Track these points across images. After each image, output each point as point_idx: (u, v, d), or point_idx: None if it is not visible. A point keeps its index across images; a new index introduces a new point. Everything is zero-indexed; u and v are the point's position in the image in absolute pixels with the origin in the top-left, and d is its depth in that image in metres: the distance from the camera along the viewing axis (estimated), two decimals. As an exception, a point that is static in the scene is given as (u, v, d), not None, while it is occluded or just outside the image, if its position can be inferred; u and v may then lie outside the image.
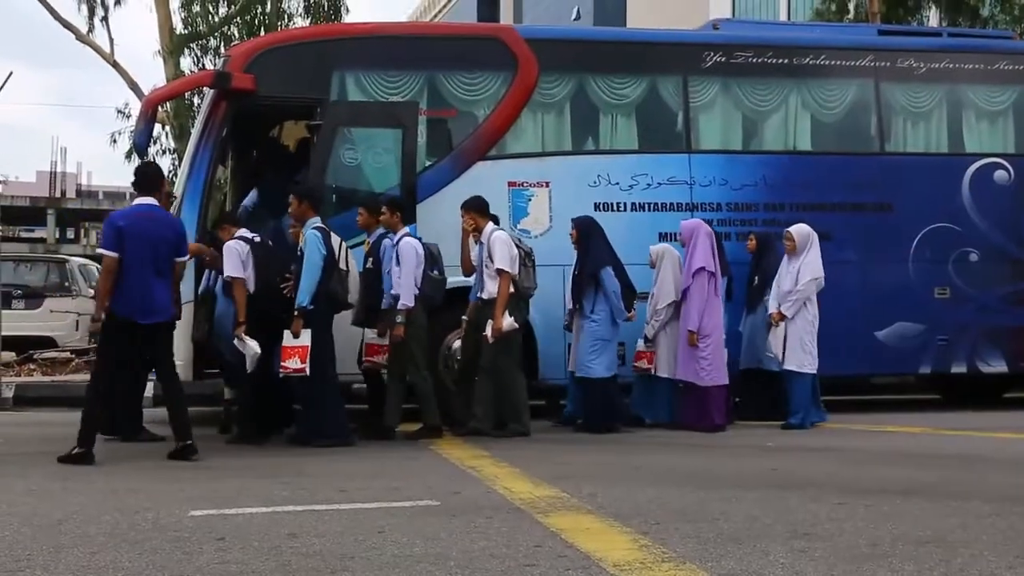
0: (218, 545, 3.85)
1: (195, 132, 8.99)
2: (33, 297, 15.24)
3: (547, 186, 8.85)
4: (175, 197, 8.28)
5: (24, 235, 44.27)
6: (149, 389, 8.87)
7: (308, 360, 6.83)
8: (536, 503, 4.69)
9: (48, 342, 14.64)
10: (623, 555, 3.65)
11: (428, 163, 8.79)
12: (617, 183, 9.04)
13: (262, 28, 19.19)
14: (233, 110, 8.47)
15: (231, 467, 6.08)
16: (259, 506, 4.67)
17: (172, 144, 19.24)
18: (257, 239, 7.42)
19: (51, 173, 45.97)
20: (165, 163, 19.72)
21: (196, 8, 19.59)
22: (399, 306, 7.32)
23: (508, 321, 7.46)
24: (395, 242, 7.53)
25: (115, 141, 20.27)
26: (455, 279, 7.94)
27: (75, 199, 45.14)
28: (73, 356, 13.91)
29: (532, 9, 47.89)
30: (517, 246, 7.69)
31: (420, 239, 7.64)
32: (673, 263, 8.28)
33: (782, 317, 8.14)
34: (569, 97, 9.26)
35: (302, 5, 20.67)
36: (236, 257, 7.20)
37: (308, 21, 20.29)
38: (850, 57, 9.76)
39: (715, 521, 4.29)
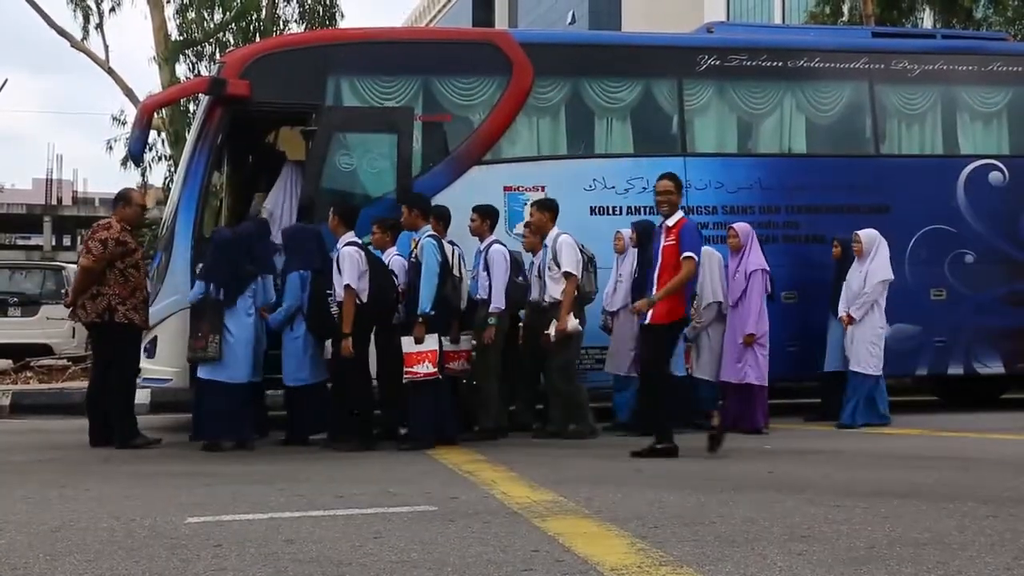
0: (215, 552, 3.84)
1: (191, 138, 9.00)
2: (29, 304, 15.22)
3: (543, 190, 8.85)
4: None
5: (20, 242, 44.28)
6: (147, 395, 8.89)
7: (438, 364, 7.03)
8: (533, 507, 4.69)
9: (44, 349, 14.62)
10: (620, 559, 3.65)
11: (423, 168, 8.79)
12: (613, 187, 9.05)
13: (257, 34, 19.20)
14: (228, 116, 8.49)
15: (228, 474, 6.07)
16: (256, 512, 4.66)
17: (168, 151, 19.22)
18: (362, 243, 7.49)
19: (47, 180, 45.93)
20: (161, 170, 19.75)
21: (191, 14, 19.59)
22: (491, 309, 7.56)
23: (573, 323, 7.56)
24: (482, 248, 7.78)
25: (111, 148, 20.24)
26: None
27: (71, 206, 45.08)
28: (70, 363, 13.89)
29: (527, 14, 47.96)
30: (581, 251, 7.79)
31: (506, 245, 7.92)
32: (715, 265, 8.32)
33: (851, 320, 8.31)
34: (564, 101, 9.27)
35: (297, 11, 20.72)
36: (356, 266, 7.17)
37: (303, 27, 20.31)
38: (844, 59, 9.78)
39: (712, 524, 4.29)
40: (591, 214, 8.76)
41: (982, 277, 9.59)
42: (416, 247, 7.33)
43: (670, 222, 6.70)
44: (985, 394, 10.34)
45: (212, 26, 19.72)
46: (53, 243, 39.70)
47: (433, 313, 7.06)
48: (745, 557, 3.68)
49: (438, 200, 8.59)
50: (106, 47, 20.46)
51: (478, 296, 7.75)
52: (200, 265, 7.75)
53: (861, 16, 17.39)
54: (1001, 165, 9.80)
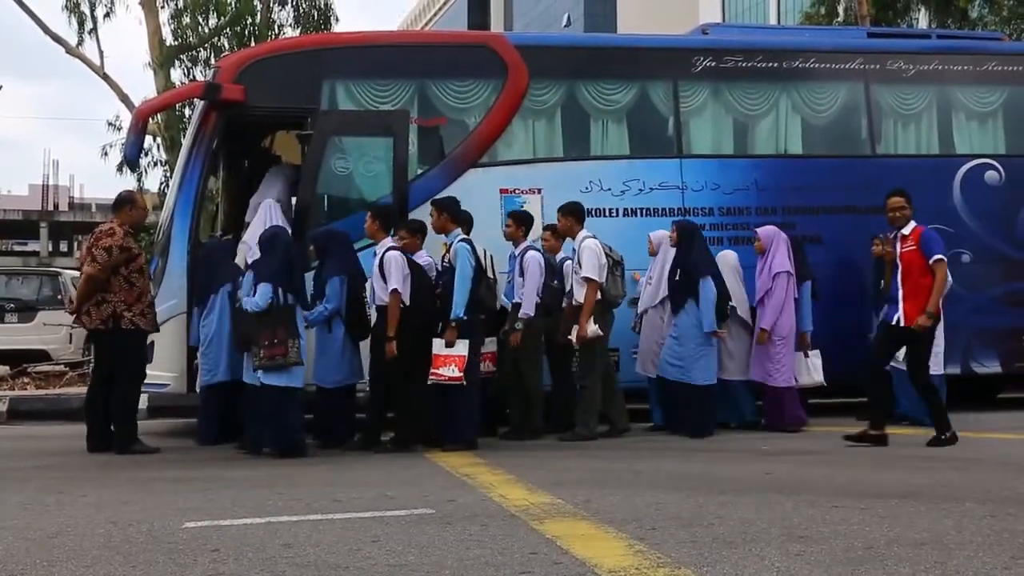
0: (212, 556, 3.84)
1: (186, 143, 9.00)
2: (26, 310, 15.21)
3: (539, 193, 8.85)
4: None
5: (17, 248, 44.28)
6: (143, 401, 8.87)
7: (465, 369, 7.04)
8: (531, 510, 4.69)
9: (42, 355, 14.61)
10: (618, 561, 3.64)
11: (419, 171, 8.80)
12: (609, 189, 9.06)
13: (252, 39, 19.22)
14: (224, 121, 8.49)
15: (225, 478, 6.06)
16: (254, 517, 4.65)
17: (163, 156, 19.26)
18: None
19: (43, 186, 45.97)
20: (156, 175, 19.81)
21: (186, 19, 19.62)
22: (520, 314, 7.67)
23: (592, 328, 7.59)
24: (518, 253, 7.89)
25: (107, 153, 20.31)
26: None
27: (68, 212, 45.13)
28: (67, 369, 13.88)
29: (522, 16, 48.00)
30: (607, 255, 7.83)
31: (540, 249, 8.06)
32: (733, 269, 8.37)
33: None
34: (560, 103, 9.28)
35: (292, 15, 20.76)
36: (401, 270, 7.19)
37: (298, 31, 20.34)
38: (840, 60, 9.79)
39: (710, 526, 4.28)
40: (588, 216, 8.72)
41: (979, 277, 9.59)
42: (447, 251, 7.38)
43: (906, 231, 7.23)
44: (982, 394, 10.34)
45: (207, 31, 19.75)
46: (50, 249, 39.72)
47: (465, 318, 7.11)
48: (743, 558, 3.68)
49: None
50: (101, 53, 20.52)
51: (513, 300, 7.88)
52: (242, 269, 7.65)
53: (856, 17, 17.43)
54: (997, 164, 9.81)
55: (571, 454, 7.07)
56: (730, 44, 9.73)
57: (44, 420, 10.17)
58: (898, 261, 7.23)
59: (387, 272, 7.13)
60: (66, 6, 20.08)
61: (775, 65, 9.64)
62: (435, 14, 60.75)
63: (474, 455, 6.85)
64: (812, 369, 8.38)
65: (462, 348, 7.07)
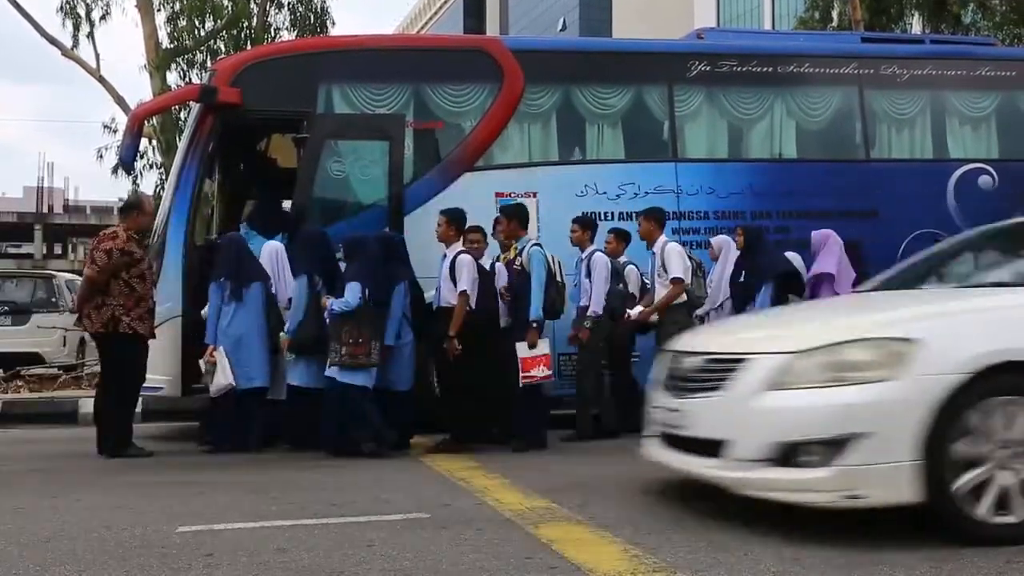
0: (206, 561, 3.83)
1: (182, 146, 8.98)
2: (20, 313, 15.15)
3: (534, 196, 8.86)
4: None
5: (11, 251, 44.17)
6: (138, 403, 8.85)
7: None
8: (526, 514, 4.69)
9: (35, 358, 14.56)
10: (614, 565, 3.65)
11: (415, 175, 8.79)
12: (604, 193, 9.06)
13: (248, 42, 19.20)
14: (219, 124, 8.48)
15: (220, 482, 6.05)
16: (248, 521, 4.65)
17: (159, 159, 19.19)
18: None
19: (38, 188, 45.91)
20: (152, 178, 19.74)
21: (182, 22, 19.58)
22: (589, 313, 7.87)
23: (636, 311, 8.01)
24: (584, 256, 8.05)
25: (102, 156, 20.21)
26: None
27: (62, 214, 45.07)
28: (61, 372, 13.84)
29: (518, 21, 48.06)
30: (689, 257, 8.07)
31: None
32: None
33: None
34: (555, 107, 9.28)
35: (288, 19, 20.72)
36: (472, 273, 7.36)
37: (294, 34, 20.31)
38: (834, 65, 9.81)
39: (706, 530, 4.29)
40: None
41: (973, 281, 9.60)
42: (516, 255, 7.58)
43: None
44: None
45: (203, 34, 19.72)
46: (44, 251, 39.65)
47: (545, 319, 7.39)
48: (738, 563, 3.68)
49: (429, 207, 8.62)
50: (97, 55, 20.49)
51: (579, 303, 8.01)
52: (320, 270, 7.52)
53: (850, 21, 17.49)
54: (991, 169, 9.84)
55: (566, 458, 7.07)
56: (725, 49, 9.75)
57: (37, 423, 10.12)
58: None
59: (458, 274, 7.33)
60: (61, 8, 20.04)
61: (770, 70, 9.66)
62: (431, 18, 60.81)
63: (470, 459, 6.84)
64: None
65: (545, 347, 7.35)
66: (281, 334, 7.39)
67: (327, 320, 7.14)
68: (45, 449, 8.08)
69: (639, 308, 8.07)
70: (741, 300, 8.11)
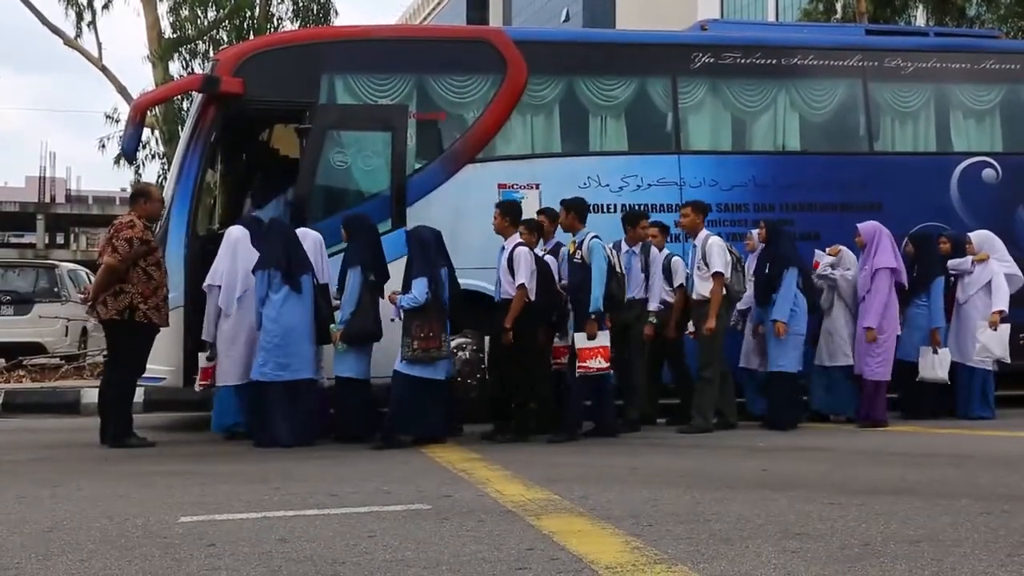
0: (208, 551, 3.83)
1: (184, 136, 8.97)
2: (22, 303, 15.16)
3: (537, 188, 8.85)
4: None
5: (13, 240, 44.14)
6: (139, 395, 8.87)
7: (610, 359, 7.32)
8: (528, 506, 4.69)
9: (37, 348, 14.58)
10: (615, 557, 3.65)
11: (417, 166, 8.78)
12: (607, 184, 9.05)
13: (251, 32, 19.18)
14: (222, 114, 8.47)
15: (222, 472, 6.06)
16: (250, 511, 4.65)
17: (161, 149, 19.20)
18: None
19: (40, 178, 45.83)
20: (154, 168, 19.76)
21: (185, 12, 19.56)
22: (650, 307, 8.15)
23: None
24: (639, 251, 8.21)
25: (104, 146, 20.23)
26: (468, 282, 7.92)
27: (64, 204, 44.97)
28: (63, 362, 13.86)
29: (521, 11, 47.93)
30: (729, 251, 8.08)
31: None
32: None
33: (1001, 315, 8.52)
34: (558, 99, 9.27)
35: (291, 9, 20.68)
36: (530, 266, 7.40)
37: (297, 24, 20.27)
38: (838, 57, 9.79)
39: (707, 522, 4.29)
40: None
41: (976, 274, 9.58)
42: (574, 247, 7.59)
43: None
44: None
45: (206, 24, 19.69)
46: (46, 241, 39.59)
47: (604, 311, 7.39)
48: (740, 555, 3.68)
49: (432, 198, 8.61)
50: (99, 45, 20.48)
51: (632, 296, 8.08)
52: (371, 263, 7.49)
53: (855, 14, 17.45)
54: (994, 162, 9.82)
55: (568, 450, 7.08)
56: (729, 40, 9.73)
57: (39, 413, 10.15)
58: None
59: (516, 267, 7.35)
60: (64, -2, 20.01)
61: (773, 62, 9.63)
62: (433, 9, 60.66)
63: (471, 450, 6.85)
64: (938, 365, 8.50)
65: (604, 339, 7.33)
66: (332, 326, 7.34)
67: (399, 314, 7.14)
68: (47, 439, 8.09)
69: (691, 324, 8.07)
70: (765, 291, 8.17)
